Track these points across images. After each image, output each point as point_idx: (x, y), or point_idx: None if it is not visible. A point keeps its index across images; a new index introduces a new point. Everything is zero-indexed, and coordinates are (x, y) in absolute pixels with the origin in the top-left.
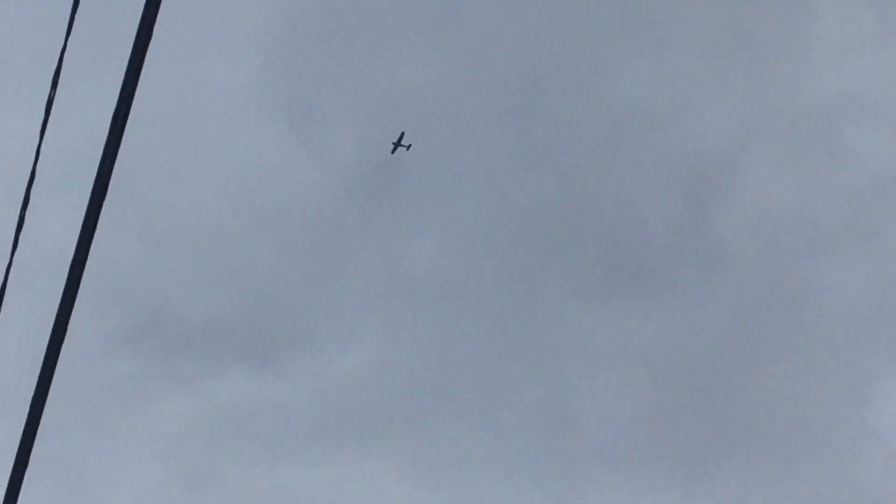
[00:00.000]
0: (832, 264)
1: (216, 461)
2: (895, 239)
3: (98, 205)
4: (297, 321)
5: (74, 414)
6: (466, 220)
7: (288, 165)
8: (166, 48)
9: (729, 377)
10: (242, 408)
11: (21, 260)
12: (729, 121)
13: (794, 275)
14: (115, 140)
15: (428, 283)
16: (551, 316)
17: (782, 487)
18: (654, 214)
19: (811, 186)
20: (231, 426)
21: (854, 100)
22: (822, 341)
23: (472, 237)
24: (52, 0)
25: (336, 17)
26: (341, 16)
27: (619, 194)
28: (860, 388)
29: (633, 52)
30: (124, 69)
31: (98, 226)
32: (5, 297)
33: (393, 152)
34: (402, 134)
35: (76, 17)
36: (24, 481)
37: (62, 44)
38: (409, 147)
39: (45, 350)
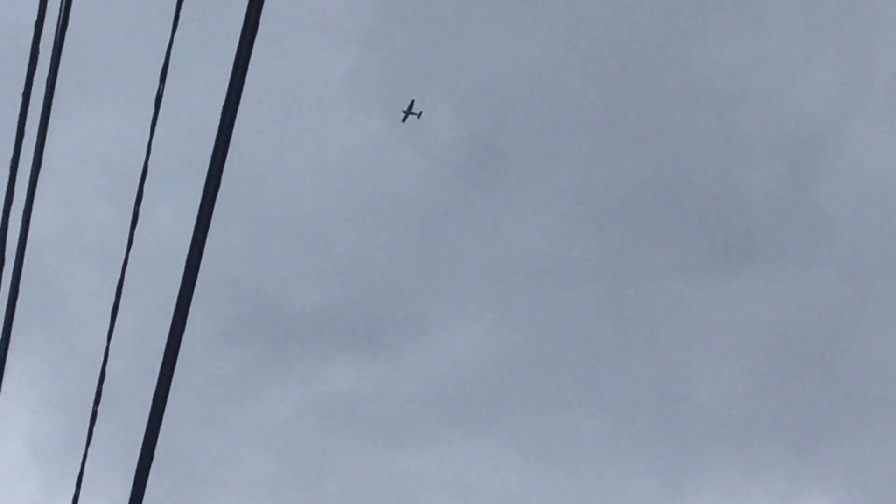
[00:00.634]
0: None
1: (328, 450)
2: None
3: (211, 199)
4: (404, 307)
5: (187, 408)
6: (569, 198)
7: (388, 152)
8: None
9: (840, 348)
10: (353, 396)
11: (135, 255)
12: (830, 87)
13: None
14: (225, 134)
15: (534, 263)
16: (657, 292)
17: None
18: (756, 186)
19: None
20: (342, 414)
21: None
22: None
23: (576, 216)
24: None
25: (428, 3)
26: (433, 1)
27: (721, 166)
28: None
29: (731, 21)
30: (230, 63)
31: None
32: (122, 293)
33: (404, 120)
34: (413, 101)
35: (181, 11)
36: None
37: (169, 38)
38: (419, 115)
39: (164, 345)
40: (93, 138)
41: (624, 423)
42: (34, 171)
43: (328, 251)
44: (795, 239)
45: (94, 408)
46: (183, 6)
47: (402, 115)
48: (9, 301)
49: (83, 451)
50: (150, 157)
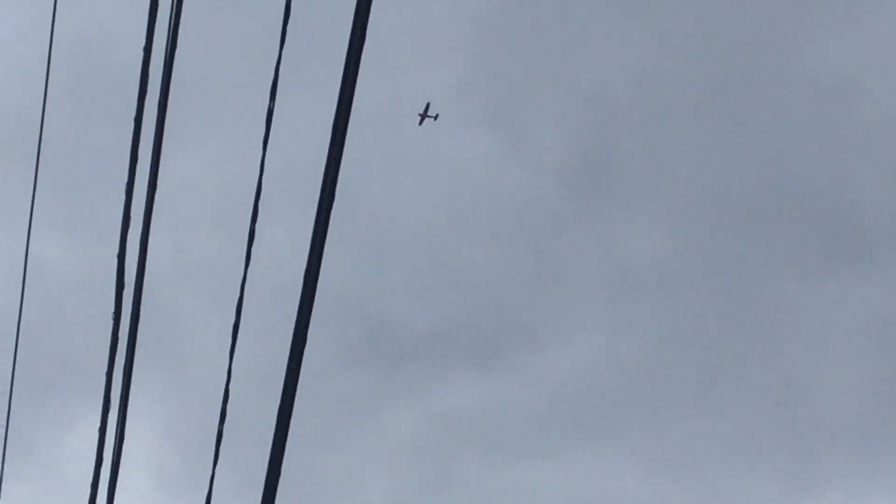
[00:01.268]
0: None
1: (449, 465)
2: None
3: (325, 219)
4: (519, 321)
5: (308, 428)
6: (680, 205)
7: (496, 167)
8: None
9: None
10: (471, 411)
11: (253, 278)
12: None
13: None
14: (336, 151)
15: (647, 271)
16: (774, 295)
17: None
18: (870, 183)
19: None
20: (461, 430)
21: None
22: None
23: (688, 222)
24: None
25: (528, 15)
26: (533, 13)
27: (834, 165)
28: None
29: (839, 16)
30: (339, 80)
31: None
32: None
33: (420, 123)
34: (428, 105)
35: (288, 28)
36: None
37: (277, 55)
38: (436, 117)
39: (286, 364)
40: (204, 165)
41: (744, 427)
42: (149, 196)
43: (442, 269)
44: None
45: (219, 427)
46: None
47: (419, 118)
48: (130, 326)
49: (210, 473)
50: (264, 177)
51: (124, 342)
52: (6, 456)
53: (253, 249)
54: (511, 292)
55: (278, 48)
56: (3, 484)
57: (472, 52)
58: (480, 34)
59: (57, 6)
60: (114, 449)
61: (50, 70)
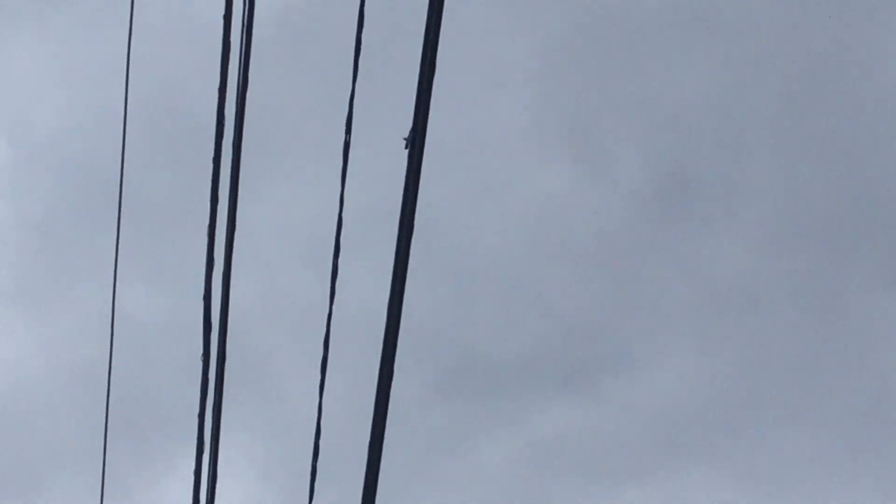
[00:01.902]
0: None
1: (544, 493)
2: None
3: (406, 249)
4: (609, 346)
5: (401, 463)
6: (763, 220)
7: (575, 192)
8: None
9: None
10: (567, 437)
11: (338, 315)
12: None
13: None
14: (413, 183)
15: (733, 289)
16: (863, 307)
17: None
18: None
19: None
20: (557, 457)
21: None
22: None
23: (771, 237)
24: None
25: (600, 39)
26: (605, 37)
27: None
28: None
29: None
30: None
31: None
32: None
33: (406, 147)
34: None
35: (360, 60)
36: None
37: (350, 88)
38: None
39: (374, 403)
40: (283, 204)
41: (840, 438)
42: (229, 235)
43: (528, 297)
44: None
45: (312, 463)
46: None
47: (405, 142)
48: (217, 366)
49: None
50: (343, 211)
51: (214, 383)
52: None
53: (342, 290)
54: (599, 317)
55: (351, 81)
56: None
57: (545, 80)
58: (552, 61)
59: (130, 56)
60: (208, 490)
61: (127, 118)
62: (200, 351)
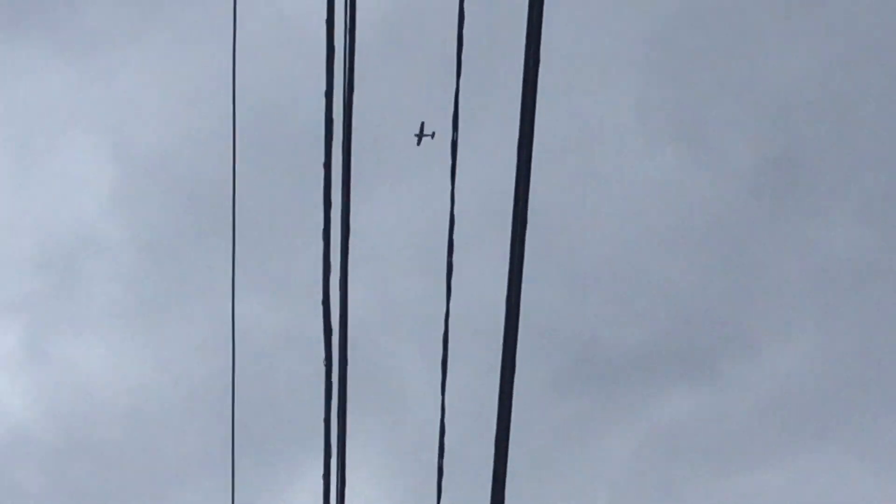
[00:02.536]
0: None
1: (672, 480)
2: None
3: (521, 244)
4: (729, 330)
5: (526, 457)
6: (873, 195)
7: (685, 179)
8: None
9: None
10: (691, 424)
11: (456, 315)
12: None
13: None
14: (524, 177)
15: (850, 265)
16: None
17: None
18: None
19: None
20: (682, 444)
21: None
22: None
23: (883, 211)
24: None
25: (702, 24)
26: (707, 21)
27: None
28: None
29: None
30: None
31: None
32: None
33: (419, 143)
34: (423, 123)
35: (462, 57)
36: None
37: (455, 85)
38: (433, 135)
39: (497, 397)
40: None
41: None
42: (344, 239)
43: (643, 285)
44: None
45: (439, 462)
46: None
47: (416, 138)
48: (340, 370)
49: None
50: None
51: (337, 387)
52: None
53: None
54: (715, 302)
55: (455, 79)
56: None
57: (651, 67)
58: (658, 48)
59: (235, 67)
60: (337, 494)
61: (235, 130)
62: (320, 356)
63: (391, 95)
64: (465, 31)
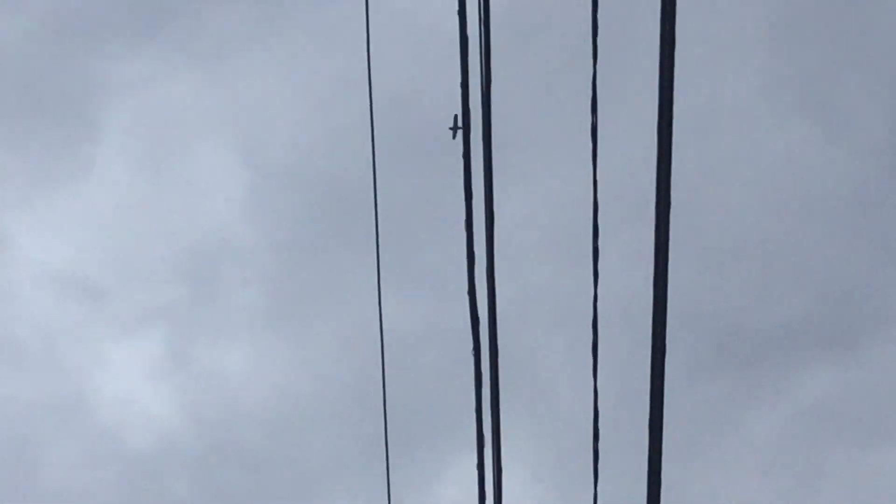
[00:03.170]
0: None
1: (819, 457)
2: None
3: (665, 227)
4: (868, 305)
5: (675, 441)
6: None
7: (818, 154)
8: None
9: None
10: (836, 401)
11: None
12: None
13: None
14: (665, 160)
15: None
16: None
17: None
18: None
19: None
20: (828, 421)
21: None
22: None
23: None
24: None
25: None
26: None
27: None
28: None
29: None
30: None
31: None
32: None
33: (454, 136)
34: (456, 116)
35: (598, 42)
36: None
37: (592, 69)
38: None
39: (650, 378)
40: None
41: None
42: (489, 228)
43: (782, 263)
44: None
45: (594, 446)
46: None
47: (451, 132)
48: (490, 359)
49: (592, 493)
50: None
51: (486, 377)
52: None
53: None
54: (855, 277)
55: (592, 63)
56: None
57: (780, 42)
58: (787, 22)
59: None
60: (494, 484)
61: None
62: (466, 348)
63: (523, 83)
64: (598, 15)
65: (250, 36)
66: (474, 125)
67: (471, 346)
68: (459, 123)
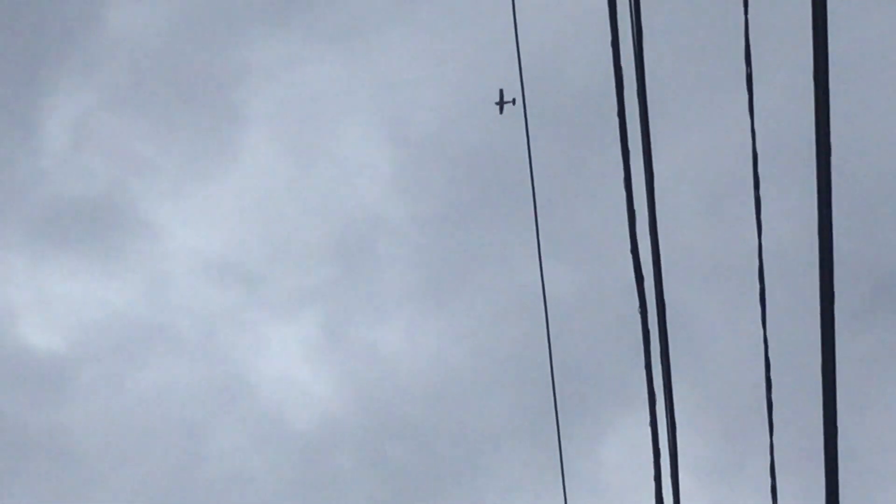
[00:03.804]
0: None
1: None
2: None
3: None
4: None
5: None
6: None
7: None
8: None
9: None
10: None
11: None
12: None
13: None
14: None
15: None
16: None
17: None
18: None
19: None
20: None
21: None
22: None
23: None
24: None
25: None
26: None
27: None
28: None
29: None
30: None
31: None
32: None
33: (501, 112)
34: (502, 91)
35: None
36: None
37: (743, 20)
38: (514, 101)
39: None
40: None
41: None
42: (649, 185)
43: None
44: None
45: (767, 395)
46: None
47: (498, 107)
48: (658, 315)
49: (769, 442)
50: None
51: (654, 334)
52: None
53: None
54: None
55: (743, 13)
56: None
57: None
58: None
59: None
60: (669, 439)
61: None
62: (627, 309)
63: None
64: None
65: (387, 13)
66: (627, 82)
67: (635, 305)
68: (506, 98)
